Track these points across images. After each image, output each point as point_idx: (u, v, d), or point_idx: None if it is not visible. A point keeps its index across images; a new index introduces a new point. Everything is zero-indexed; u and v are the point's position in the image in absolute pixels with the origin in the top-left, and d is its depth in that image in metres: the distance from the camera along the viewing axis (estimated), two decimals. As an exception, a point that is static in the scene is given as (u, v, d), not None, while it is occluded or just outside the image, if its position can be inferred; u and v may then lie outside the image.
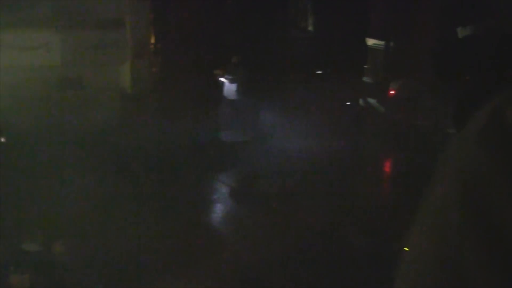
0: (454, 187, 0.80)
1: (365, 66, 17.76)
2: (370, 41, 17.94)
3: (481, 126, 0.80)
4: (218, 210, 9.93)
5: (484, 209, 0.74)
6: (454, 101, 3.49)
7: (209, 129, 13.74)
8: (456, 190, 0.79)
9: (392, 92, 15.14)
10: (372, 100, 16.20)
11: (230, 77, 13.93)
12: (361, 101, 16.44)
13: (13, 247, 7.94)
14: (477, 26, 3.20)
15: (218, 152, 12.57)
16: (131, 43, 14.46)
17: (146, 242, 8.55)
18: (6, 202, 8.99)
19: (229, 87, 13.98)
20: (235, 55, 14.21)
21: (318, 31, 19.06)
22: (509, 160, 0.74)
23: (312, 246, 8.48)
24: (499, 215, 0.73)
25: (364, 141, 13.90)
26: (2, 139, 11.83)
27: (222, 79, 13.99)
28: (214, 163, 11.90)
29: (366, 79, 17.66)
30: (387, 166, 13.03)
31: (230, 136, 13.81)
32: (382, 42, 17.59)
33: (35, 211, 8.99)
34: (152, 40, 16.09)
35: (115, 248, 8.24)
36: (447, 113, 12.91)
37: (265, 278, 7.84)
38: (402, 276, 0.89)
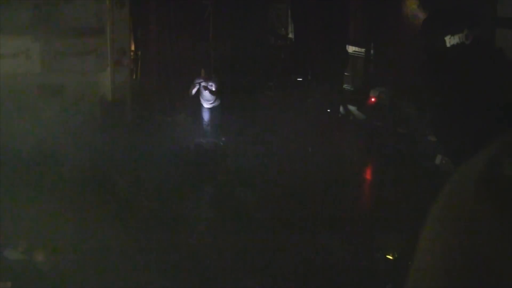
0: (453, 234, 0.79)
1: (346, 74, 17.82)
2: (351, 49, 18.01)
3: (479, 175, 0.78)
4: (198, 216, 9.89)
5: (484, 256, 0.73)
6: (433, 109, 3.50)
7: (189, 136, 13.72)
8: (456, 237, 0.78)
9: (372, 99, 15.20)
10: (352, 108, 16.25)
11: (209, 84, 13.91)
12: (341, 109, 16.49)
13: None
14: (465, 35, 3.22)
15: (198, 158, 12.55)
16: (111, 50, 14.42)
17: (127, 249, 8.51)
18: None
19: (208, 94, 13.95)
20: (215, 62, 14.22)
21: (298, 38, 19.10)
22: (508, 213, 0.73)
23: (292, 253, 8.47)
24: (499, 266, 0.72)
25: (344, 149, 13.92)
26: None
27: (201, 86, 13.97)
28: (193, 170, 11.86)
29: (346, 86, 17.72)
30: (368, 173, 13.07)
31: (210, 143, 13.80)
32: (362, 50, 17.67)
33: (16, 218, 8.93)
34: (132, 48, 16.06)
35: (97, 256, 8.20)
36: (427, 120, 12.99)
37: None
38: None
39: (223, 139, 13.97)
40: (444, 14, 3.39)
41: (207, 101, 13.96)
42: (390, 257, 8.18)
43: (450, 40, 3.38)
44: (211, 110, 14.03)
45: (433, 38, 3.48)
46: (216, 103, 14.02)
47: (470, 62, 3.34)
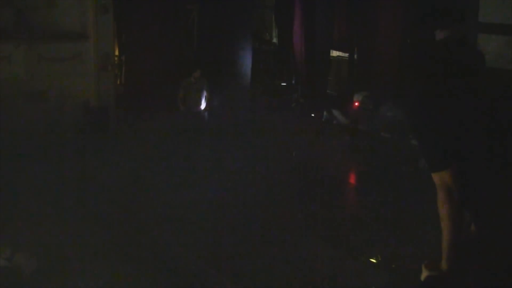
0: None
1: (329, 78, 17.89)
2: (335, 53, 18.09)
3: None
4: (189, 222, 9.89)
5: None
6: (411, 110, 3.52)
7: (174, 141, 13.72)
8: None
9: (356, 103, 15.27)
10: (336, 112, 16.32)
11: (193, 89, 13.93)
12: (325, 113, 16.55)
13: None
14: (452, 30, 3.28)
15: (184, 164, 12.55)
16: (95, 55, 14.40)
17: (112, 254, 8.50)
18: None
19: (194, 98, 13.96)
20: (198, 67, 14.20)
21: (282, 43, 19.16)
22: None
23: (273, 259, 8.49)
24: None
25: (328, 153, 13.98)
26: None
27: (186, 91, 13.98)
28: (178, 173, 11.86)
29: (330, 91, 17.78)
30: (351, 177, 13.13)
31: (197, 147, 13.82)
32: (346, 54, 17.75)
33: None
34: (116, 53, 16.05)
35: (82, 261, 8.20)
36: (409, 123, 13.06)
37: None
38: None
39: (209, 142, 13.98)
40: (434, 8, 3.43)
41: (193, 106, 13.97)
42: (374, 261, 8.23)
43: (439, 34, 3.42)
44: (196, 114, 14.03)
45: (421, 31, 3.51)
46: (202, 108, 14.04)
47: (455, 58, 3.38)
